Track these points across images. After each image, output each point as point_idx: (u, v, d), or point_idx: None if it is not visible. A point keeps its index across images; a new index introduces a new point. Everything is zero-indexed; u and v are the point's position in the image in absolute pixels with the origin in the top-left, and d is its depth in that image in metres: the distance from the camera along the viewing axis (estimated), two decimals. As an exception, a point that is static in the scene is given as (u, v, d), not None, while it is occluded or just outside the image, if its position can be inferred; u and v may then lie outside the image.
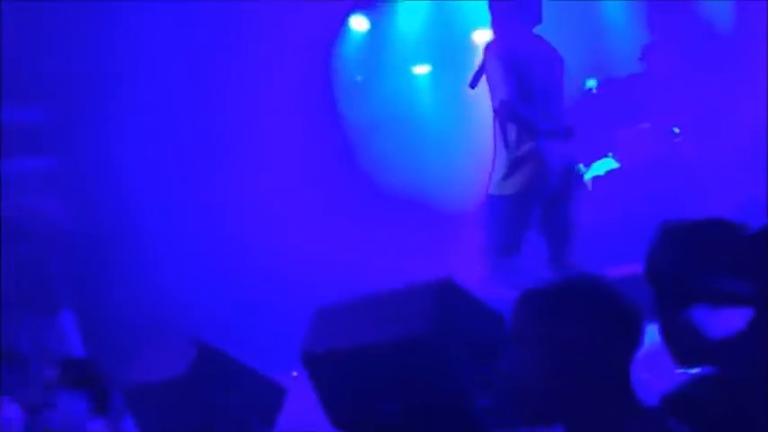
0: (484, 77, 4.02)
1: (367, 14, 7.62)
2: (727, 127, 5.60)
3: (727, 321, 1.91)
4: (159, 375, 3.33)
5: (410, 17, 7.51)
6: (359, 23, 7.63)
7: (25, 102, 6.33)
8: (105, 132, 6.49)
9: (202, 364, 3.22)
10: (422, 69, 7.58)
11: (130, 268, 6.41)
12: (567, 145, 3.95)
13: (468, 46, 6.60)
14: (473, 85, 4.05)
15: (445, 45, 7.14)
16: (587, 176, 5.80)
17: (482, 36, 6.84)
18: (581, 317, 1.49)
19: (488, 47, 4.01)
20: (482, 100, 4.26)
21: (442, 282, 2.56)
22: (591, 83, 6.07)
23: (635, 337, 1.53)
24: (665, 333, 2.00)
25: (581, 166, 5.84)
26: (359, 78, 7.68)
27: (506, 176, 3.89)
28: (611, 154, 5.86)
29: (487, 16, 7.04)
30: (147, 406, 3.43)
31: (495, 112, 3.94)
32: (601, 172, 5.81)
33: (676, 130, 5.63)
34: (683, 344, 1.97)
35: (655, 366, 2.21)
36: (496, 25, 4.09)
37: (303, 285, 6.31)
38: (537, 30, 4.09)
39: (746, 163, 5.32)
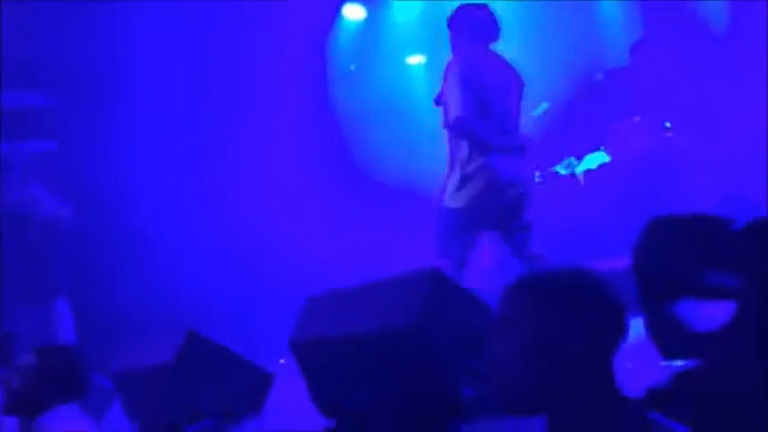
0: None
1: (362, 3, 7.60)
2: (719, 123, 5.62)
3: (712, 315, 1.92)
4: (148, 360, 3.33)
5: (406, 7, 7.48)
6: (354, 12, 7.60)
7: (25, 87, 6.31)
8: (104, 121, 6.49)
9: (190, 349, 3.22)
10: (416, 60, 7.56)
11: (123, 257, 6.41)
12: (520, 159, 4.10)
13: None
14: (438, 102, 4.20)
15: (441, 36, 7.11)
16: (579, 169, 5.81)
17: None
18: (568, 307, 1.51)
19: (448, 65, 4.14)
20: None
21: (430, 271, 2.57)
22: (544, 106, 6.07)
23: (620, 331, 1.54)
24: (651, 326, 2.02)
25: (573, 159, 5.86)
26: (352, 67, 7.66)
27: (458, 189, 4.06)
28: (602, 147, 5.87)
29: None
30: (135, 391, 3.44)
31: (449, 128, 4.08)
32: (593, 165, 5.82)
33: (668, 124, 5.64)
34: (668, 337, 1.98)
35: (639, 357, 2.23)
36: (455, 43, 4.25)
37: (295, 275, 6.31)
38: (494, 46, 4.26)
39: (736, 159, 5.34)
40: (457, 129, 4.02)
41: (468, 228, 4.05)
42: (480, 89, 4.01)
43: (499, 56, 4.25)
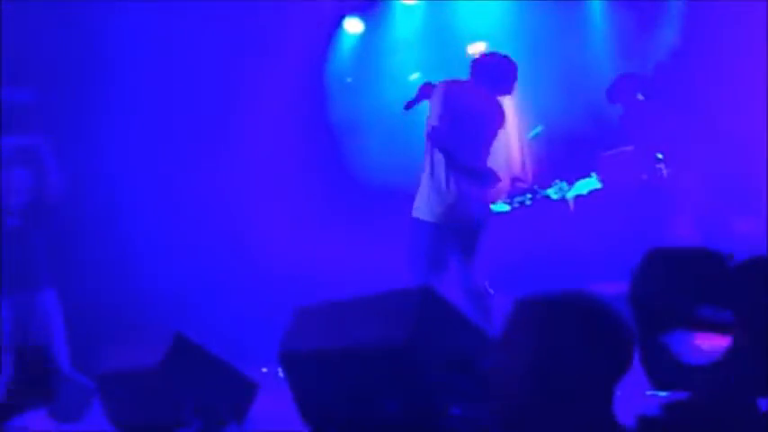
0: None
1: (362, 17, 7.64)
2: (710, 155, 5.67)
3: (704, 349, 1.94)
4: (133, 363, 3.31)
5: (405, 23, 7.53)
6: (353, 26, 7.63)
7: (12, 81, 6.28)
8: (91, 118, 6.46)
9: (176, 354, 3.20)
10: (414, 76, 7.60)
11: (111, 255, 6.37)
12: (483, 187, 4.27)
13: (461, 56, 6.64)
14: (408, 107, 4.35)
15: (438, 54, 7.16)
16: (570, 194, 5.84)
17: (476, 48, 6.90)
18: (577, 332, 1.49)
19: (438, 84, 4.30)
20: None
21: (424, 289, 2.58)
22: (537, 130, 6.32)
23: (625, 360, 1.53)
24: (643, 355, 2.03)
25: (564, 184, 5.90)
26: (348, 80, 7.69)
27: (427, 203, 4.23)
28: (594, 174, 5.91)
29: (482, 29, 7.14)
30: (118, 393, 3.41)
31: (427, 137, 4.24)
32: (584, 191, 5.85)
33: (659, 155, 5.68)
34: (660, 367, 1.99)
35: (627, 385, 2.24)
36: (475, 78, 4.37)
37: (287, 283, 6.31)
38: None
39: (727, 191, 5.38)
40: (432, 138, 4.19)
41: (434, 242, 4.19)
42: (459, 113, 4.18)
43: (492, 95, 4.41)
